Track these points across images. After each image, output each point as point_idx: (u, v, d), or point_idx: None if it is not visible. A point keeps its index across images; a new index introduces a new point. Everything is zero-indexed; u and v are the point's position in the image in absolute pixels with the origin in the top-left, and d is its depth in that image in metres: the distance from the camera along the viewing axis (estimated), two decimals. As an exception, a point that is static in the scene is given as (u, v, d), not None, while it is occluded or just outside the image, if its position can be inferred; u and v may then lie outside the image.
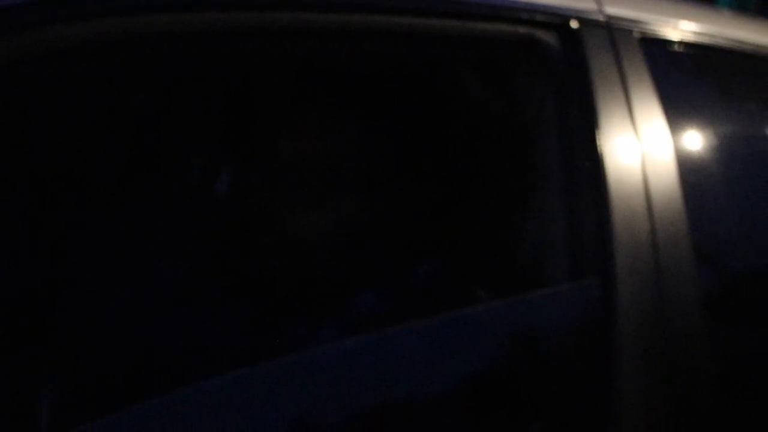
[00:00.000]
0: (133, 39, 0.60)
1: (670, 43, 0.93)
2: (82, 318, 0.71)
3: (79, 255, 0.76)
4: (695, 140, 0.90)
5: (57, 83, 0.64)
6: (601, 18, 0.84)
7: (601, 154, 0.76)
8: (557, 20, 0.80)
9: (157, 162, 0.85)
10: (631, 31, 0.87)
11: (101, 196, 0.79)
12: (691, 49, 0.97)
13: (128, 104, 0.80)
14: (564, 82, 0.79)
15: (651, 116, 0.82)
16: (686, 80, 0.97)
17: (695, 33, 0.96)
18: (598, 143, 0.76)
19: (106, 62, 0.64)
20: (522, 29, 0.77)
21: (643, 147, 0.79)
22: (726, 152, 0.93)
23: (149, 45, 0.63)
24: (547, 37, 0.79)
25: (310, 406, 0.59)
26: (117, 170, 0.81)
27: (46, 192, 0.73)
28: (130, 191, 0.81)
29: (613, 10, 0.86)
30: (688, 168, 0.85)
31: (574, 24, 0.81)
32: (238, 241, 0.86)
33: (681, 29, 0.94)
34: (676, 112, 0.87)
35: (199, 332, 0.77)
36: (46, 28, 0.56)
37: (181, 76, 0.78)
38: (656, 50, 0.89)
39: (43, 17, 0.56)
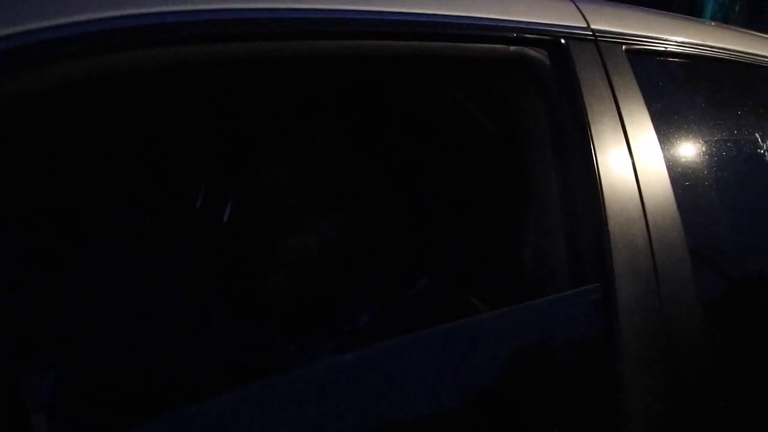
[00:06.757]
0: (125, 75, 0.58)
1: (657, 54, 0.96)
2: (78, 334, 0.72)
3: (81, 273, 0.77)
4: (684, 147, 0.93)
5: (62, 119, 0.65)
6: (589, 34, 0.87)
7: (595, 164, 0.78)
8: (547, 38, 0.83)
9: (158, 187, 0.87)
10: (618, 45, 0.89)
11: (108, 218, 0.81)
12: (677, 59, 1.00)
13: (127, 137, 0.81)
14: (556, 96, 0.82)
15: (641, 125, 0.84)
16: (673, 89, 0.99)
17: (681, 44, 0.99)
18: (591, 154, 0.79)
19: (98, 100, 0.63)
20: (513, 48, 0.80)
21: (635, 155, 0.81)
22: (714, 157, 0.96)
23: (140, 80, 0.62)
24: (538, 55, 0.82)
25: (311, 422, 0.59)
26: (122, 194, 0.83)
27: (55, 209, 0.75)
28: (134, 215, 0.83)
29: (600, 25, 0.89)
30: (679, 174, 0.87)
31: (563, 41, 0.83)
32: (237, 263, 0.88)
33: (667, 41, 0.97)
34: (665, 120, 0.90)
35: (198, 351, 0.78)
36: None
37: (176, 109, 0.79)
38: (643, 62, 0.92)
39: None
